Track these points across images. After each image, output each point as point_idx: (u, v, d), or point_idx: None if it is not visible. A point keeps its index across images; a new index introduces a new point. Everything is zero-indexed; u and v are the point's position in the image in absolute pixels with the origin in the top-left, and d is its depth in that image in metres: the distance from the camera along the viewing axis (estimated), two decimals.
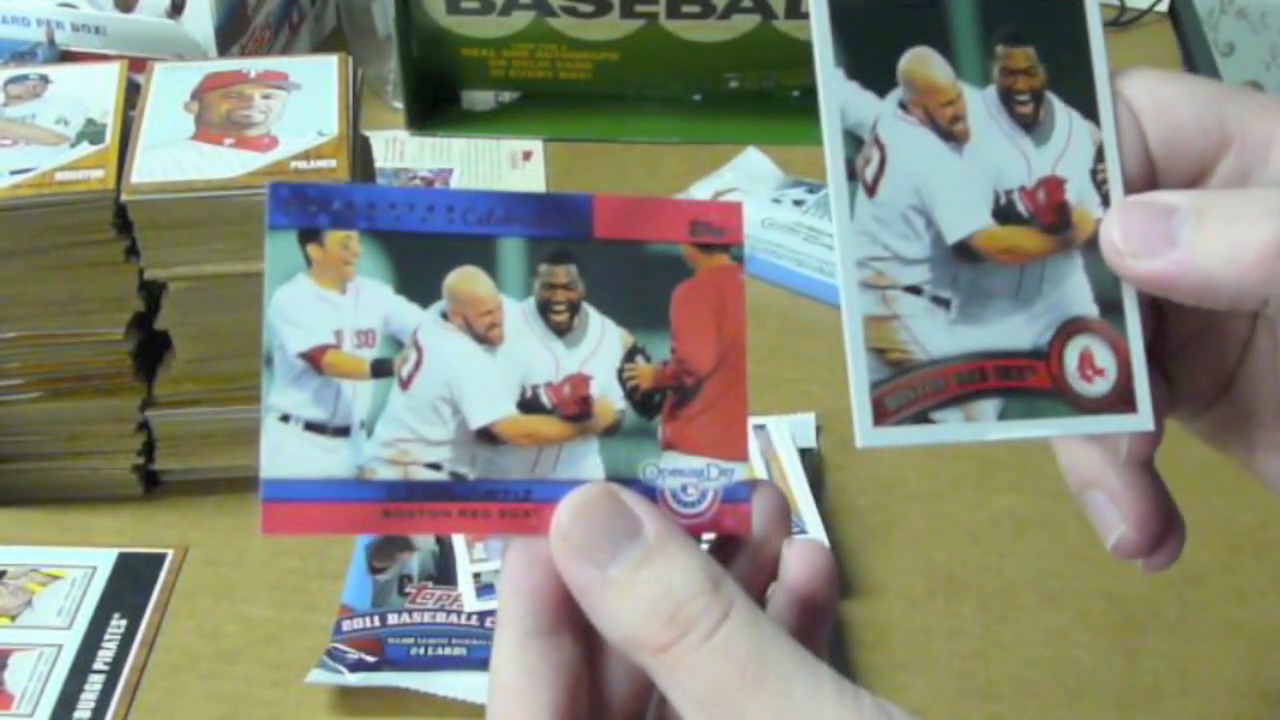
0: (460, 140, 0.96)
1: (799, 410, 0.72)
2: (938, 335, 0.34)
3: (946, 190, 0.33)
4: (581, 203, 0.35)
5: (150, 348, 0.67)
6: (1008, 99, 0.33)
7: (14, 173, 0.62)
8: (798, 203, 0.86)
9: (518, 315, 0.35)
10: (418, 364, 0.34)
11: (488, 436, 0.34)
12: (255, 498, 0.74)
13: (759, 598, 0.36)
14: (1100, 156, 0.34)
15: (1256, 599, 0.65)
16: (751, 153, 0.93)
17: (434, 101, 0.97)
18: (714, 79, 0.97)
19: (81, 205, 0.62)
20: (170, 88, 0.68)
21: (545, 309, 0.35)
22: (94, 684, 0.60)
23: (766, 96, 0.97)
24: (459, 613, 0.62)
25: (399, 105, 0.97)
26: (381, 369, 0.34)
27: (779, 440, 0.69)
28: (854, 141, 0.33)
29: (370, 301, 0.34)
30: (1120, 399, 0.35)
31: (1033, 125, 0.34)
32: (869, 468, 0.71)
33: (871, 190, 0.32)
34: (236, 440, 0.68)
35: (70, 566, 0.65)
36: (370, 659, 0.59)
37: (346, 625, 0.61)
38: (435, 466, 0.34)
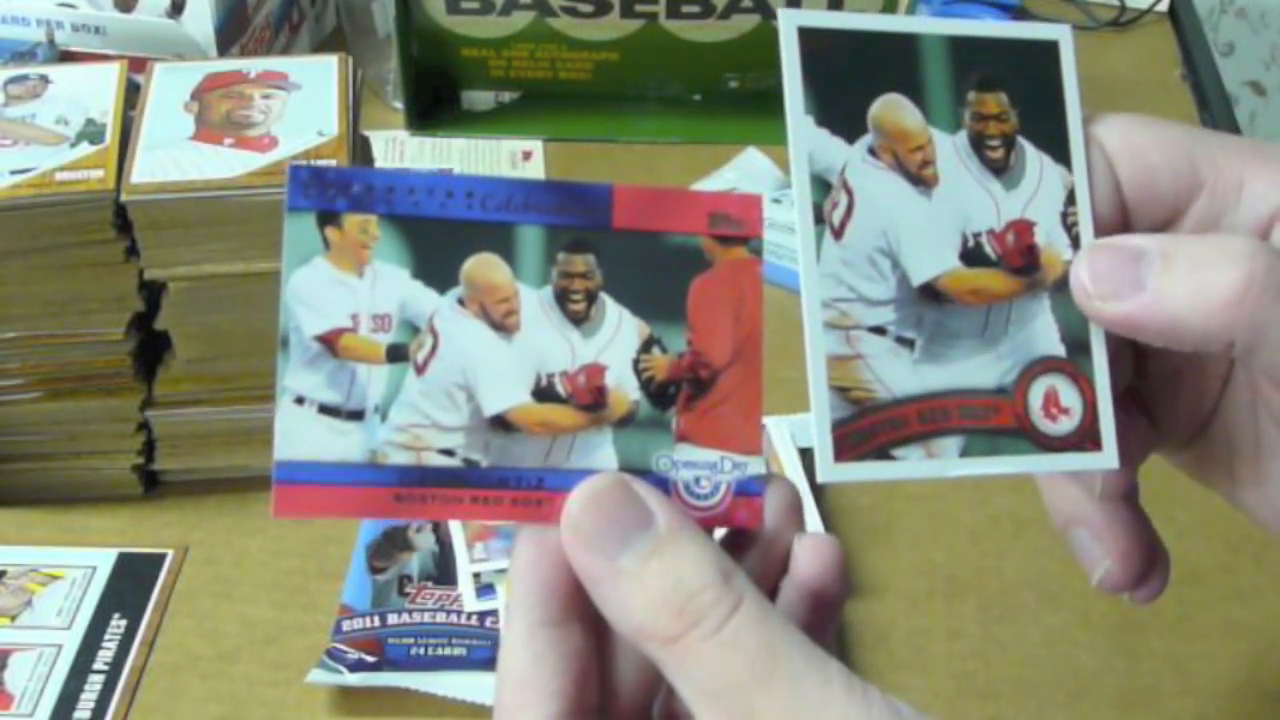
0: (460, 140, 0.96)
1: (799, 410, 0.72)
2: (901, 374, 0.34)
3: (914, 233, 0.33)
4: (601, 192, 0.35)
5: (150, 348, 0.67)
6: (978, 144, 0.34)
7: (14, 173, 0.62)
8: None
9: (534, 303, 0.35)
10: (433, 349, 0.34)
11: (502, 424, 0.34)
12: (255, 497, 0.74)
13: (770, 592, 0.36)
14: (1071, 200, 0.35)
15: (1256, 599, 0.65)
16: (751, 153, 0.93)
17: (434, 101, 0.97)
18: (714, 79, 0.97)
19: (81, 205, 0.62)
20: (170, 88, 0.68)
21: (562, 298, 0.35)
22: (94, 684, 0.60)
23: (766, 96, 0.97)
24: (459, 613, 0.62)
25: (399, 105, 0.97)
26: (397, 354, 0.34)
27: (779, 440, 0.69)
28: (822, 186, 0.34)
29: (387, 286, 0.34)
30: (1085, 437, 0.36)
31: (1003, 169, 0.34)
32: None
33: (838, 233, 0.33)
34: (236, 440, 0.68)
35: (70, 566, 0.65)
36: (370, 659, 0.59)
37: (346, 625, 0.61)
38: (448, 453, 0.34)
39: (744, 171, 0.91)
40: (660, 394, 0.35)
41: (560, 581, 0.34)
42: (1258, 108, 1.88)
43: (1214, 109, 1.04)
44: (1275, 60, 1.85)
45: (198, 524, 0.68)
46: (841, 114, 0.33)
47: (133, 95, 0.68)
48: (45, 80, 0.69)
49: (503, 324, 0.35)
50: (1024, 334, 0.34)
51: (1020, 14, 1.13)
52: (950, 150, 0.34)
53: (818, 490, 0.68)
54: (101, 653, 0.61)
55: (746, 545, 0.36)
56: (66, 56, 0.90)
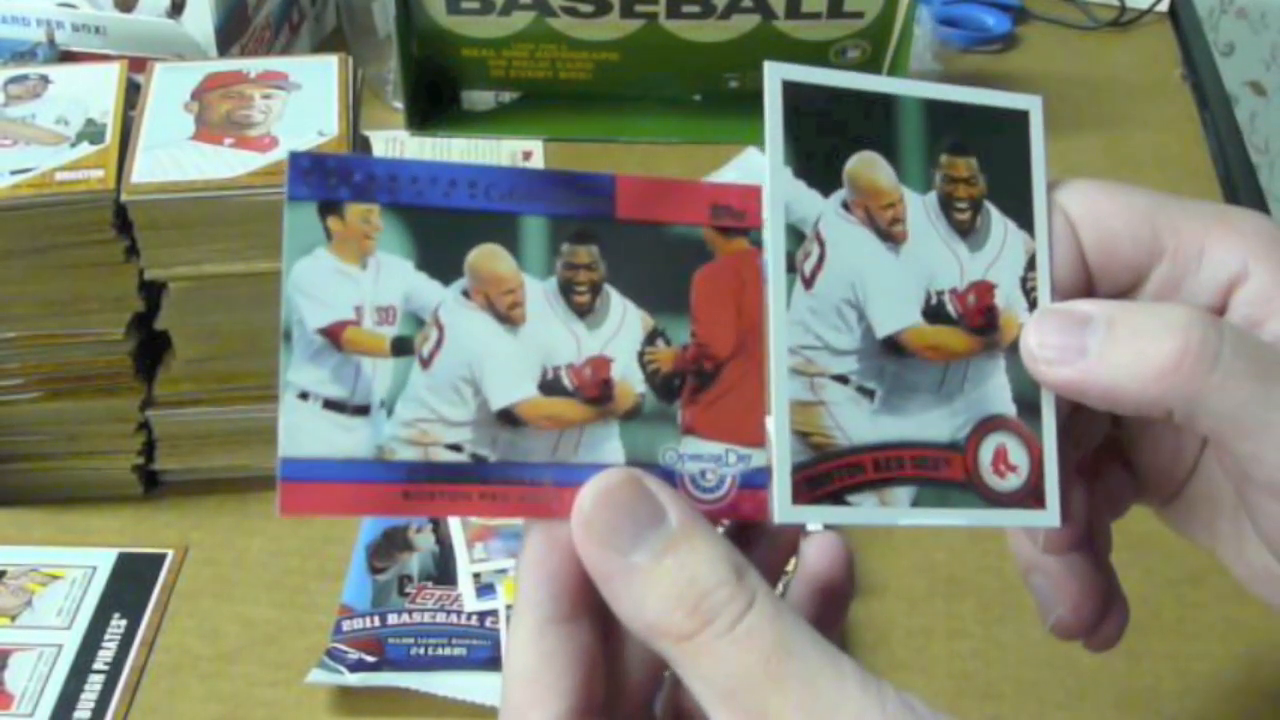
0: (460, 140, 0.96)
1: None
2: (860, 423, 0.35)
3: (880, 287, 0.34)
4: (605, 182, 0.35)
5: (150, 348, 0.67)
6: (947, 205, 0.35)
7: (14, 173, 0.62)
8: None
9: (539, 295, 0.34)
10: (439, 343, 0.34)
11: (509, 418, 0.34)
12: (255, 497, 0.74)
13: (773, 586, 0.36)
14: (1032, 265, 0.36)
15: (1256, 599, 0.65)
16: (751, 153, 0.93)
17: (434, 101, 0.97)
18: (714, 79, 0.97)
19: (81, 205, 0.62)
20: (170, 88, 0.68)
21: (567, 289, 0.35)
22: (94, 684, 0.60)
23: None
24: (459, 613, 0.62)
25: (399, 105, 0.97)
26: (402, 347, 0.34)
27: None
28: (796, 236, 0.35)
29: (391, 277, 0.34)
30: (1030, 495, 0.37)
31: (969, 232, 0.35)
32: None
33: (809, 283, 0.34)
34: (236, 440, 0.68)
35: (70, 566, 0.65)
36: (370, 659, 0.59)
37: (346, 625, 0.61)
38: (456, 448, 0.34)
39: (744, 171, 0.91)
40: (665, 386, 0.35)
41: (570, 577, 0.34)
42: (1258, 108, 1.88)
43: (1214, 109, 1.04)
44: (1275, 60, 1.85)
45: (198, 524, 0.68)
46: (818, 167, 0.34)
47: (133, 95, 0.68)
48: (45, 80, 0.69)
49: (508, 316, 0.34)
50: (978, 392, 0.35)
51: (1020, 14, 1.13)
52: (920, 210, 0.34)
53: None
54: (101, 653, 0.61)
55: (753, 540, 0.36)
56: (66, 56, 0.90)
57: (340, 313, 0.33)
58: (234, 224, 0.62)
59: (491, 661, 0.59)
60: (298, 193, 0.33)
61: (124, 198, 0.62)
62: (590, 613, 0.34)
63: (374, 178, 0.34)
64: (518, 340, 0.34)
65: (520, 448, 0.34)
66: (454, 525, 0.65)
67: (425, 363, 0.34)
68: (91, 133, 0.65)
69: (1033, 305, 0.36)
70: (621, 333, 0.35)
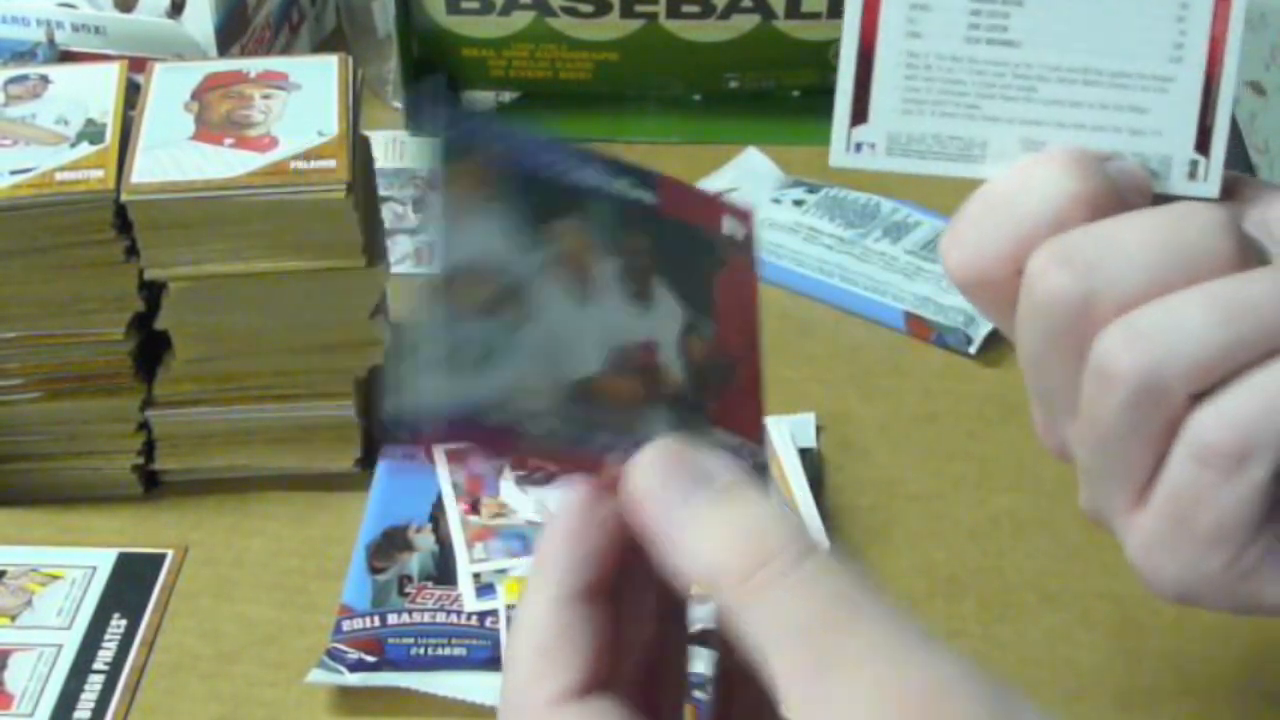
0: None
1: (799, 410, 0.72)
2: None
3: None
4: (653, 178, 0.37)
5: (150, 348, 0.67)
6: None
7: (14, 173, 0.62)
8: (798, 203, 0.86)
9: (606, 275, 0.36)
10: (526, 311, 0.34)
11: (579, 390, 0.35)
12: (255, 497, 0.74)
13: None
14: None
15: None
16: (751, 153, 0.93)
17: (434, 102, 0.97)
18: (714, 79, 0.96)
19: (81, 205, 0.62)
20: (170, 88, 0.68)
21: (626, 273, 0.36)
22: (94, 684, 0.60)
23: (766, 96, 0.97)
24: (459, 613, 0.62)
25: (399, 105, 0.97)
26: (495, 308, 0.34)
27: (779, 440, 0.69)
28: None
29: (491, 239, 0.34)
30: None
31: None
32: (869, 468, 0.71)
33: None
34: (236, 440, 0.68)
35: (70, 566, 0.65)
36: (370, 659, 0.59)
37: (346, 625, 0.61)
38: (534, 413, 0.34)
39: (744, 171, 0.91)
40: (698, 377, 0.36)
41: (603, 554, 0.34)
42: (1258, 108, 1.88)
43: None
44: (1275, 60, 1.85)
45: (198, 524, 0.68)
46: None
47: (133, 95, 0.68)
48: (45, 80, 0.69)
49: (584, 293, 0.35)
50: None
51: None
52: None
53: (817, 490, 0.68)
54: (101, 653, 0.61)
55: None
56: (66, 56, 0.90)
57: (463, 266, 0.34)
58: (234, 224, 0.62)
59: (491, 661, 0.59)
60: (454, 138, 0.34)
61: (124, 198, 0.62)
62: (611, 593, 0.34)
63: (500, 140, 0.35)
64: (590, 317, 0.35)
65: (585, 419, 0.35)
66: (454, 525, 0.65)
67: (513, 328, 0.34)
68: (91, 133, 0.65)
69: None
70: (666, 321, 0.36)
